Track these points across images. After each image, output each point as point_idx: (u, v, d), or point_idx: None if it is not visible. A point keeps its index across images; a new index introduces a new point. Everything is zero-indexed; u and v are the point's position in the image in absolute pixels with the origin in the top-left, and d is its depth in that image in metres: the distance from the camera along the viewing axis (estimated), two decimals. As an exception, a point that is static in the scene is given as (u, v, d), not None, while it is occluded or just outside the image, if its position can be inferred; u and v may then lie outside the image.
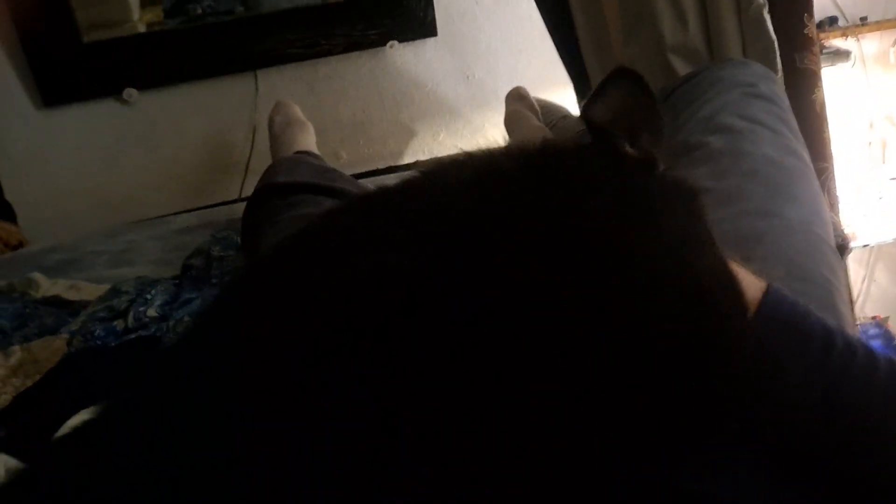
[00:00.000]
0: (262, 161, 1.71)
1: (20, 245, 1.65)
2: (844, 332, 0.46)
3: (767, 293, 0.45)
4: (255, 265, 0.45)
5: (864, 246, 1.71)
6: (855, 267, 1.96)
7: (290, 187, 0.95)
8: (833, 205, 1.02)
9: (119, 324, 0.94)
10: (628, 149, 0.44)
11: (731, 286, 0.41)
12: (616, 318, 0.35)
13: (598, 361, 0.34)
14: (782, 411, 0.42)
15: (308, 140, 1.49)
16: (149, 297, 0.98)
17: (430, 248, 0.36)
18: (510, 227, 0.36)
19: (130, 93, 1.70)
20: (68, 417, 0.78)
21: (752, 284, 0.45)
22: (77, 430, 0.38)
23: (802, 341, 0.44)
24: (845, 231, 1.45)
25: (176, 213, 1.61)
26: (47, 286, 1.24)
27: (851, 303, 1.00)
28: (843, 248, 0.91)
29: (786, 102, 0.90)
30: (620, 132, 0.44)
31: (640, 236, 0.38)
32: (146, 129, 1.75)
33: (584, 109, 0.46)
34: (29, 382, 0.92)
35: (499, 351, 0.33)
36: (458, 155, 0.47)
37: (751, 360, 0.40)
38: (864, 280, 1.95)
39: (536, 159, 0.43)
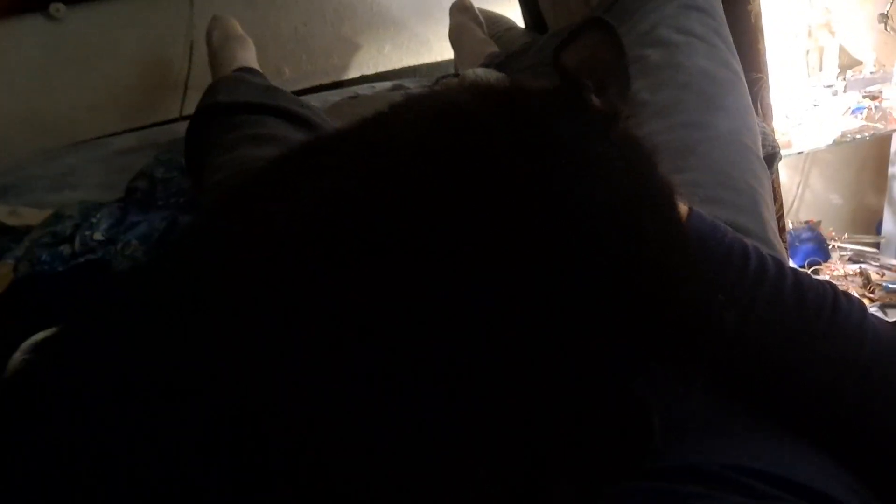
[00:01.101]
0: (201, 78, 1.66)
1: (-47, 171, 1.60)
2: (758, 249, 0.49)
3: (690, 216, 0.49)
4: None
5: (800, 153, 1.77)
6: (790, 173, 2.03)
7: (232, 107, 0.94)
8: (766, 114, 1.06)
9: (65, 249, 0.93)
10: (595, 100, 0.45)
11: (681, 245, 0.43)
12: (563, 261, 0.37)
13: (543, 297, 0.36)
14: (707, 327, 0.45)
15: (248, 56, 1.45)
16: (94, 220, 0.97)
17: (388, 178, 0.37)
18: (466, 170, 0.37)
19: (58, 7, 1.62)
20: (20, 343, 0.79)
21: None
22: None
23: (722, 257, 0.47)
24: (780, 139, 1.50)
25: (115, 134, 1.57)
26: (-15, 212, 1.21)
27: (781, 209, 1.05)
28: (772, 156, 0.95)
29: (721, 13, 0.91)
30: (589, 81, 0.45)
31: (593, 189, 0.39)
32: (77, 47, 1.67)
33: (555, 52, 0.45)
34: (-23, 310, 0.92)
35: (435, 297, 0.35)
36: (425, 91, 0.47)
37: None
38: (798, 186, 2.03)
39: (502, 100, 0.43)
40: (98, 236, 0.94)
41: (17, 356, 0.73)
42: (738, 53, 0.89)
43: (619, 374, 0.40)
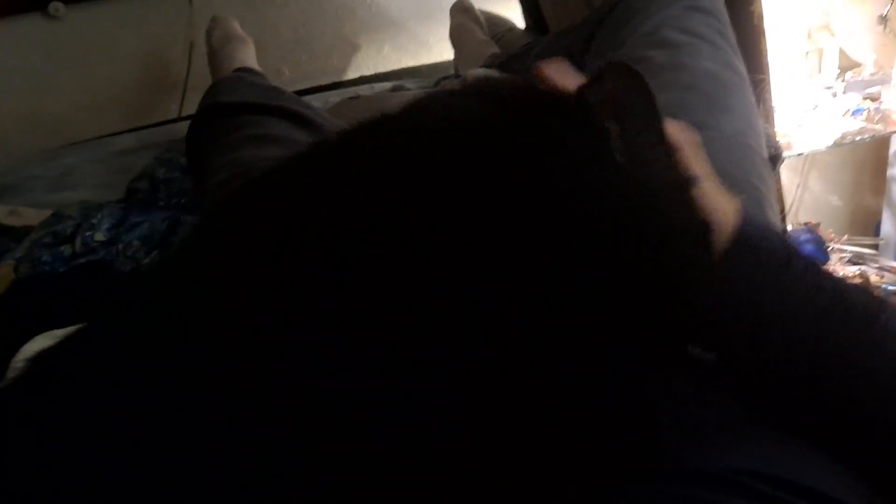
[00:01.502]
0: (200, 79, 1.66)
1: (-49, 171, 1.59)
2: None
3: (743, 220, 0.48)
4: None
5: (799, 154, 1.77)
6: (790, 175, 2.03)
7: (233, 107, 0.94)
8: (768, 116, 1.06)
9: (66, 249, 0.93)
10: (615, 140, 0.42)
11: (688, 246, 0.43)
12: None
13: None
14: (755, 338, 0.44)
15: (248, 56, 1.45)
16: (95, 221, 0.97)
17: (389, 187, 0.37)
18: (467, 171, 0.37)
19: (57, 7, 1.61)
20: (21, 343, 0.78)
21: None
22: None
23: (766, 261, 0.46)
24: (780, 141, 1.50)
25: (113, 135, 1.56)
26: (-16, 212, 1.20)
27: (782, 211, 1.05)
28: (775, 157, 0.95)
29: (725, 15, 0.91)
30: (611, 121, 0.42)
31: (594, 189, 0.38)
32: (76, 47, 1.67)
33: (577, 93, 0.42)
34: (-23, 310, 0.91)
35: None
36: (437, 93, 0.46)
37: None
38: (798, 187, 2.03)
39: (507, 102, 0.42)
40: (99, 237, 0.94)
41: (19, 359, 0.72)
42: (741, 54, 0.89)
43: (621, 375, 0.40)
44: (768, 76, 1.04)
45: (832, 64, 1.85)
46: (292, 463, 0.31)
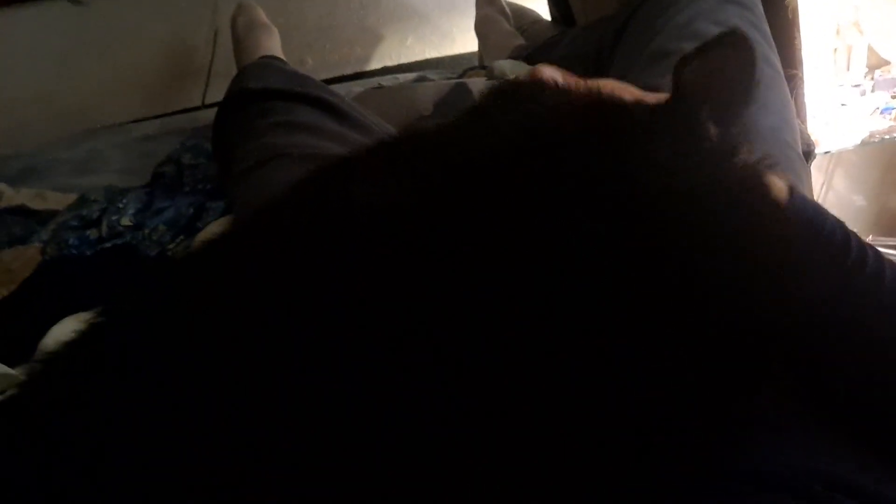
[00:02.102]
0: (224, 66, 1.66)
1: (-24, 155, 1.60)
2: (855, 236, 0.46)
3: (791, 196, 0.44)
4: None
5: (826, 153, 1.75)
6: (815, 173, 2.00)
7: (261, 94, 0.93)
8: (801, 112, 1.04)
9: (92, 233, 0.93)
10: (711, 131, 0.40)
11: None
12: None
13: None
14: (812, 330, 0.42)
15: (273, 44, 1.45)
16: (121, 205, 0.97)
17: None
18: (549, 190, 0.35)
19: (83, -8, 1.62)
20: (48, 325, 0.78)
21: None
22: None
23: (824, 246, 0.44)
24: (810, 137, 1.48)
25: (136, 121, 1.57)
26: (11, 195, 1.21)
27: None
28: (808, 154, 0.94)
29: (760, 8, 0.90)
30: (708, 104, 0.40)
31: (691, 225, 0.35)
32: (102, 33, 1.67)
33: (678, 65, 0.40)
34: (4, 291, 0.92)
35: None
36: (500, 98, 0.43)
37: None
38: (822, 186, 2.00)
39: (595, 122, 0.39)
40: (125, 221, 0.94)
41: (47, 342, 0.73)
42: (776, 49, 0.88)
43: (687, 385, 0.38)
44: (802, 72, 1.02)
45: (861, 61, 1.82)
46: (295, 461, 0.30)
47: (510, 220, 0.34)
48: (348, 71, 1.83)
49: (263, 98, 0.93)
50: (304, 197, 0.39)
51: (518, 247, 0.33)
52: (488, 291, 0.32)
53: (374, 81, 1.60)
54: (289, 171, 0.81)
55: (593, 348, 0.32)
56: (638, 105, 0.41)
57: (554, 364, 0.32)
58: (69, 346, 0.38)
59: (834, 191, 2.03)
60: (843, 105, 1.76)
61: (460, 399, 0.31)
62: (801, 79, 1.02)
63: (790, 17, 0.98)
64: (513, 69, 1.20)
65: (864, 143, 1.71)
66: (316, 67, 1.81)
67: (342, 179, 0.38)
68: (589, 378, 0.32)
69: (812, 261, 0.43)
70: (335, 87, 1.47)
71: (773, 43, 0.88)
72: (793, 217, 0.43)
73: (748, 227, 0.37)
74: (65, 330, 0.71)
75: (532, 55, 1.27)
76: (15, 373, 0.68)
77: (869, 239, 1.96)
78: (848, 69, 1.83)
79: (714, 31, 0.84)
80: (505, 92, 0.44)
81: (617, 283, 0.33)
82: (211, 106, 1.66)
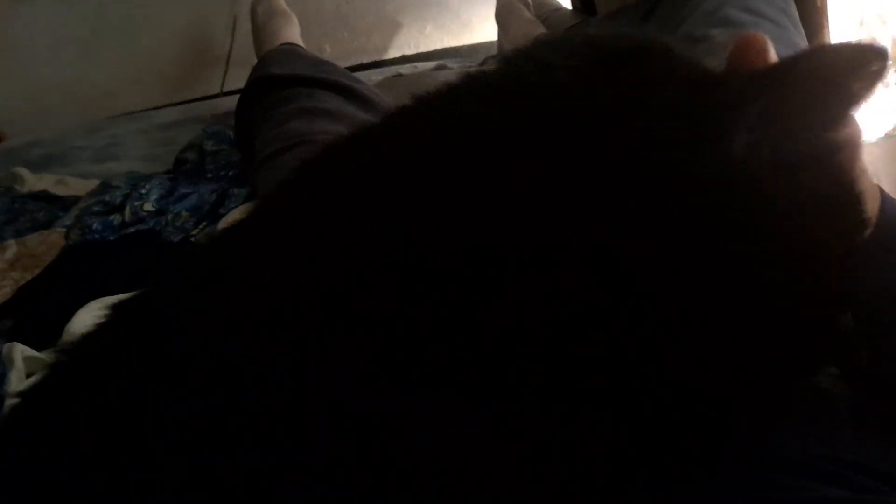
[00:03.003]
0: (243, 54, 1.66)
1: (-2, 140, 1.62)
2: None
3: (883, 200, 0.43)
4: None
5: (847, 145, 1.72)
6: (835, 166, 1.98)
7: (284, 80, 0.93)
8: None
9: (116, 218, 0.94)
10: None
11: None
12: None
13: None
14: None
15: (293, 32, 1.44)
16: (143, 191, 0.97)
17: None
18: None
19: (103, -20, 1.62)
20: (73, 309, 0.79)
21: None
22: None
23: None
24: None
25: (157, 108, 1.57)
26: (33, 181, 1.22)
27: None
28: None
29: (790, -5, 0.89)
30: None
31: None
32: (122, 20, 1.68)
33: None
34: (28, 276, 0.92)
35: None
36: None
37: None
38: (843, 179, 1.98)
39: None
40: (148, 207, 0.94)
41: (73, 326, 0.73)
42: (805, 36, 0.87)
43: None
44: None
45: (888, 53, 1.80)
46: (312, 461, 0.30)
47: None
48: (366, 59, 1.83)
49: (286, 84, 0.92)
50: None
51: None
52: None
53: (393, 70, 1.60)
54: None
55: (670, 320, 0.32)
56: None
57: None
58: (96, 331, 0.38)
59: (855, 183, 2.01)
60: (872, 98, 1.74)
61: None
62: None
63: (819, 4, 0.97)
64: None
65: (887, 137, 1.68)
66: (334, 55, 1.81)
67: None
68: (663, 347, 0.32)
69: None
70: (355, 75, 1.47)
71: (803, 30, 0.87)
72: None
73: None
74: (90, 314, 0.72)
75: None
76: (42, 356, 0.68)
77: (891, 233, 1.94)
78: (872, 60, 1.81)
79: (744, 18, 0.83)
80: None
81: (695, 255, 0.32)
82: (230, 93, 1.66)
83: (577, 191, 0.33)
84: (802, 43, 0.84)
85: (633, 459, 0.33)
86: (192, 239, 0.88)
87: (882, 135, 1.69)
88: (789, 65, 0.34)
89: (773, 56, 0.37)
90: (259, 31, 1.46)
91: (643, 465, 0.33)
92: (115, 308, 0.38)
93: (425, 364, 0.30)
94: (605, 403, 0.32)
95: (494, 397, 0.30)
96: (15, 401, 0.36)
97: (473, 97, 0.37)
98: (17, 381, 0.64)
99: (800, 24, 0.86)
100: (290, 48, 1.16)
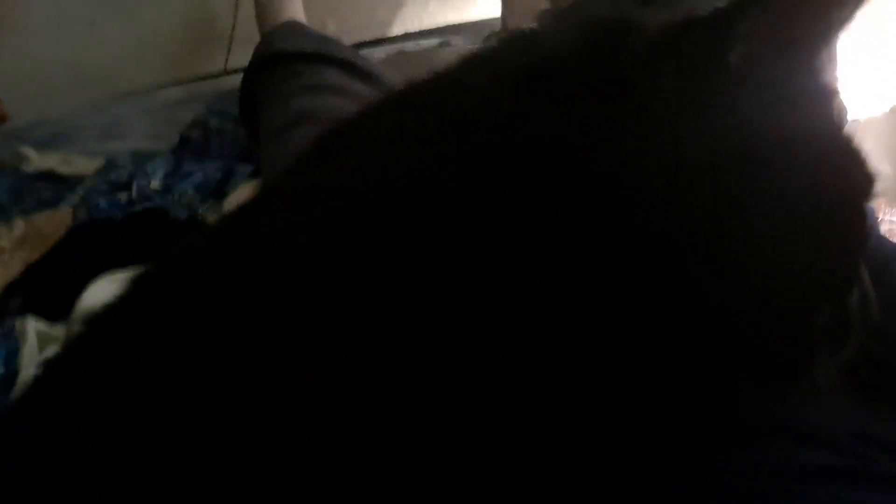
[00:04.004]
0: (246, 32, 1.65)
1: (1, 119, 1.61)
2: None
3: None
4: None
5: (853, 120, 1.72)
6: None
7: (290, 56, 0.93)
8: (833, 79, 1.02)
9: (122, 196, 0.94)
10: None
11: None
12: None
13: None
14: None
15: (295, 9, 1.44)
16: (149, 170, 0.98)
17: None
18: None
19: (104, -43, 1.61)
20: (82, 285, 0.80)
21: None
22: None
23: None
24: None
25: (160, 87, 1.56)
26: (38, 160, 1.22)
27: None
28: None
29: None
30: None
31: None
32: (126, -1, 1.67)
33: None
34: (36, 255, 0.93)
35: None
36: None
37: None
38: (849, 154, 1.97)
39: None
40: (155, 185, 0.94)
41: (84, 298, 0.74)
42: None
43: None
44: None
45: (893, 27, 1.79)
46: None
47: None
48: (369, 36, 1.81)
49: (291, 61, 0.92)
50: None
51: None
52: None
53: (396, 47, 1.59)
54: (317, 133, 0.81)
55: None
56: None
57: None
58: (117, 304, 0.38)
59: (860, 158, 2.01)
60: (873, 71, 1.73)
61: None
62: (834, 47, 1.00)
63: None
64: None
65: (893, 111, 1.68)
66: (337, 32, 1.79)
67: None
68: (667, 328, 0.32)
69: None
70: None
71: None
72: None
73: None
74: (100, 289, 0.72)
75: (557, 19, 1.26)
76: (54, 330, 0.69)
77: (895, 208, 1.94)
78: (880, 34, 1.80)
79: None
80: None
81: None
82: (233, 72, 1.66)
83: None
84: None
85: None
86: (199, 216, 0.89)
87: (887, 109, 1.68)
88: None
89: None
90: (262, 8, 1.46)
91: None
92: (134, 281, 0.38)
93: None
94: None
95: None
96: (37, 371, 0.36)
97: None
98: (31, 356, 0.65)
99: None
100: (294, 25, 1.15)
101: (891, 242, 0.49)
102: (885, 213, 1.93)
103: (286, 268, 0.32)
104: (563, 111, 0.31)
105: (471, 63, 0.38)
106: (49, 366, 0.37)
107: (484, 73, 0.36)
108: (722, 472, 0.37)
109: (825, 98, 0.35)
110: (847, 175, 0.34)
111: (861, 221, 0.34)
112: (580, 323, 0.30)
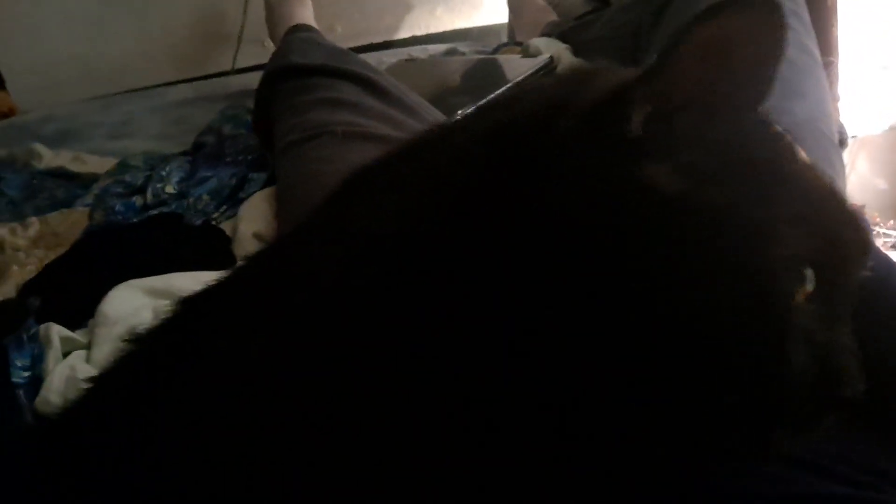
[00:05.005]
0: (255, 31, 1.67)
1: (10, 112, 1.63)
2: None
3: None
4: None
5: (852, 137, 1.74)
6: (837, 156, 2.00)
7: (305, 70, 0.95)
8: (835, 99, 1.05)
9: (137, 200, 0.96)
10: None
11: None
12: None
13: None
14: None
15: (305, 13, 1.45)
16: (164, 173, 1.00)
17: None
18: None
19: (116, -46, 1.63)
20: (100, 289, 0.81)
21: None
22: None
23: None
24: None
25: (169, 84, 1.58)
26: (49, 157, 1.23)
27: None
28: (842, 142, 0.95)
29: (801, -4, 0.90)
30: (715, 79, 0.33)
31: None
32: (136, -4, 1.69)
33: (691, 23, 0.31)
34: (52, 254, 0.94)
35: None
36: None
37: None
38: (846, 168, 2.00)
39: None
40: (170, 189, 0.96)
41: (103, 309, 0.75)
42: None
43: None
44: (837, 59, 1.02)
45: (891, 44, 1.81)
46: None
47: None
48: (377, 40, 1.84)
49: (307, 74, 0.94)
50: None
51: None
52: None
53: (404, 52, 1.61)
54: (333, 149, 0.83)
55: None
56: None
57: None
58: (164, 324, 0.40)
59: (857, 173, 2.03)
60: (871, 89, 1.75)
61: None
62: (837, 66, 1.02)
63: (829, 4, 0.99)
64: (547, 47, 1.21)
65: (892, 129, 1.70)
66: (345, 35, 1.82)
67: None
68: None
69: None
70: (366, 57, 1.48)
71: (813, 31, 0.89)
72: None
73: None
74: (121, 296, 0.74)
75: (566, 34, 1.28)
76: (77, 336, 0.71)
77: (890, 223, 1.97)
78: (877, 52, 1.82)
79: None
80: None
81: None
82: (241, 71, 1.68)
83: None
84: (812, 44, 0.86)
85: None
86: (213, 222, 0.91)
87: (887, 127, 1.70)
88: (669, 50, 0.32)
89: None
90: (272, 11, 1.47)
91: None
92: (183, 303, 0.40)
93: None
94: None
95: None
96: (87, 385, 0.39)
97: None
98: (55, 361, 0.67)
99: (810, 26, 0.88)
100: (309, 36, 1.17)
101: (887, 257, 0.51)
102: (880, 227, 1.96)
103: (311, 303, 0.36)
104: (517, 167, 0.34)
105: (462, 122, 0.43)
106: (99, 381, 0.40)
107: (465, 134, 0.40)
108: (714, 495, 0.38)
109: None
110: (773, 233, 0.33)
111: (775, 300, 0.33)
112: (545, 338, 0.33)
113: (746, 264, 0.32)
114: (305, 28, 1.34)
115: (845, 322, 0.36)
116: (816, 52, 0.86)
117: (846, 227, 0.36)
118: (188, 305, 0.40)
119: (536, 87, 0.43)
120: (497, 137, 0.37)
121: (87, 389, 0.40)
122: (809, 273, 0.34)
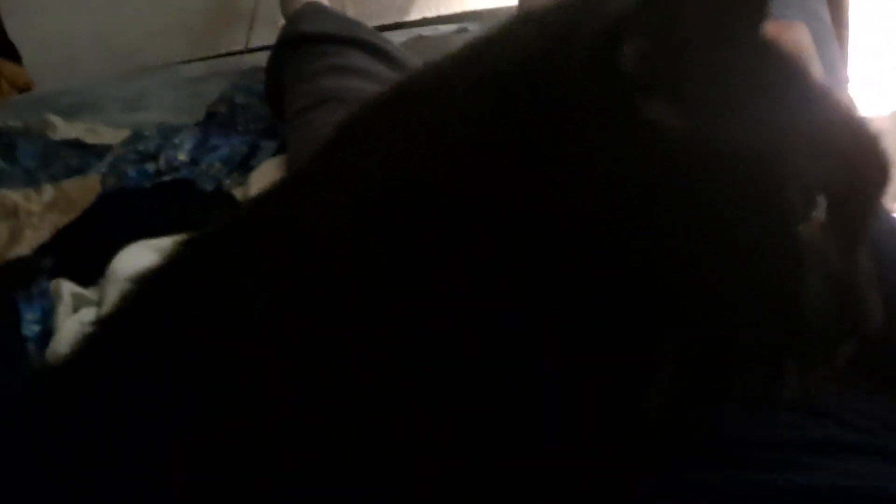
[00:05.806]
0: (268, 12, 1.67)
1: (27, 87, 1.64)
2: None
3: None
4: None
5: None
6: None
7: (316, 37, 0.96)
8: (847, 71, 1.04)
9: (150, 166, 0.97)
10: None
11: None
12: None
13: None
14: None
15: (318, -10, 1.46)
16: (177, 141, 1.01)
17: None
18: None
19: (131, -68, 1.64)
20: (111, 250, 0.83)
21: None
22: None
23: None
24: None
25: (183, 62, 1.59)
26: (64, 128, 1.25)
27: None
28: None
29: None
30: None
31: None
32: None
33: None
34: (65, 219, 0.96)
35: None
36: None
37: None
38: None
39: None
40: (182, 156, 0.98)
41: (115, 263, 0.77)
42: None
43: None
44: (848, 31, 1.02)
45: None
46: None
47: None
48: (388, 20, 1.84)
49: (317, 41, 0.95)
50: None
51: None
52: None
53: (414, 32, 1.61)
54: (341, 115, 0.84)
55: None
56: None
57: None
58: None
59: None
60: (880, 71, 1.74)
61: None
62: (847, 39, 1.02)
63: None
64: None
65: (898, 112, 1.68)
66: (356, 15, 1.80)
67: None
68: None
69: None
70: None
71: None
72: None
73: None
74: (132, 255, 0.75)
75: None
76: (88, 293, 0.72)
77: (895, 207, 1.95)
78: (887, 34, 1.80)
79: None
80: None
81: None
82: (254, 50, 1.68)
83: None
84: (824, 11, 0.85)
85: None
86: (224, 188, 0.92)
87: (893, 109, 1.69)
88: None
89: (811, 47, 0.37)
90: (285, -10, 1.48)
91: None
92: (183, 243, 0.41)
93: None
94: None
95: None
96: (90, 328, 0.40)
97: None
98: (65, 315, 0.68)
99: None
100: (319, 7, 1.18)
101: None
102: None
103: (308, 251, 0.35)
104: (516, 118, 0.33)
105: (457, 60, 0.40)
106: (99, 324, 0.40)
107: (463, 76, 0.38)
108: (724, 441, 0.38)
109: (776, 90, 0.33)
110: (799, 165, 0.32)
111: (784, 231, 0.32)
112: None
113: (756, 198, 0.31)
114: (320, 4, 1.34)
115: (863, 252, 0.35)
116: (828, 19, 0.85)
117: (863, 155, 0.34)
118: (191, 248, 0.40)
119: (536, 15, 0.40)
120: (498, 86, 0.35)
121: (90, 334, 0.39)
122: (822, 202, 0.33)
